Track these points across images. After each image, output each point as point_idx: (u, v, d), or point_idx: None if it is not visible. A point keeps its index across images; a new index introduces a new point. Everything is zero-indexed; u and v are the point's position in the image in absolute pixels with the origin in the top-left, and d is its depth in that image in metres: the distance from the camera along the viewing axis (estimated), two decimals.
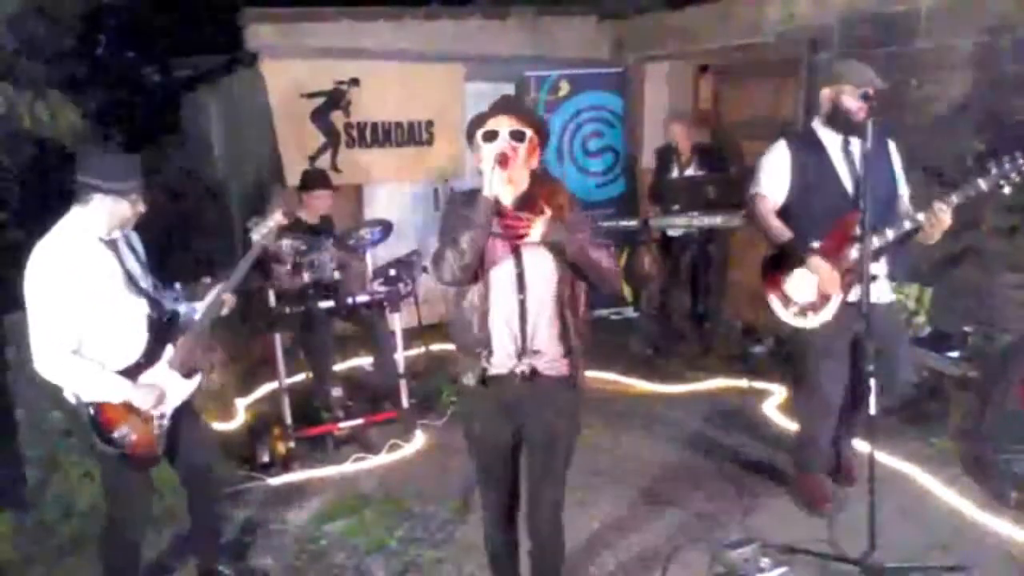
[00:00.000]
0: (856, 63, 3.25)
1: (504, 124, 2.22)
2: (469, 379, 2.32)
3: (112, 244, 2.61)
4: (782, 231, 3.23)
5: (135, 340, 2.62)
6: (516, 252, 2.24)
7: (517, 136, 2.22)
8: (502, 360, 2.30)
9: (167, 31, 10.74)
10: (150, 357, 2.65)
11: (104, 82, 8.79)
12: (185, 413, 2.81)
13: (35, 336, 2.47)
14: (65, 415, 3.50)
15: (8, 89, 3.53)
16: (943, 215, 2.95)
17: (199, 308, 2.81)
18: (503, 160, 2.15)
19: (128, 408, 2.58)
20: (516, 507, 2.54)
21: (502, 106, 2.29)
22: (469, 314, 2.27)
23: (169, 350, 2.70)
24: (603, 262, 2.25)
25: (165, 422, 2.69)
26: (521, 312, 2.25)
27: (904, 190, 3.27)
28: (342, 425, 4.29)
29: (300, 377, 4.70)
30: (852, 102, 3.08)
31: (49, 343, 2.46)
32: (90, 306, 2.49)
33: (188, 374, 2.75)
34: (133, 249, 2.74)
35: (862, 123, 2.94)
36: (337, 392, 4.49)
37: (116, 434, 2.56)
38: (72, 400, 2.60)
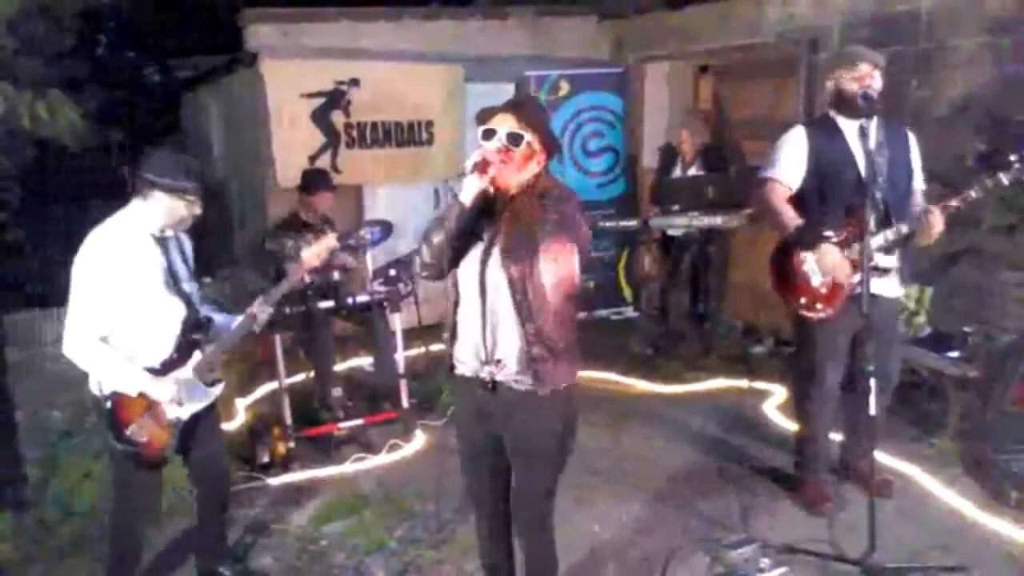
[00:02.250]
0: (849, 49, 3.27)
1: (504, 124, 2.16)
2: (445, 368, 2.37)
3: (162, 242, 2.65)
4: (792, 218, 3.20)
5: (166, 340, 2.65)
6: (485, 255, 2.19)
7: (513, 139, 2.14)
8: (468, 363, 2.29)
9: (167, 31, 10.76)
10: (178, 359, 2.67)
11: (104, 82, 8.82)
12: (206, 420, 2.82)
13: (70, 317, 2.52)
14: (65, 416, 3.51)
15: (8, 89, 3.52)
16: (935, 219, 2.96)
17: (236, 320, 2.80)
18: (483, 167, 2.09)
19: (144, 407, 2.59)
20: (504, 514, 2.49)
21: (508, 105, 2.23)
22: (447, 311, 2.31)
23: (196, 356, 2.71)
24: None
25: (179, 427, 2.70)
26: (483, 319, 2.21)
27: (920, 185, 3.24)
28: (342, 425, 4.29)
29: (300, 377, 4.70)
30: (851, 84, 3.09)
31: (81, 325, 2.51)
32: (128, 297, 2.53)
33: (211, 383, 2.77)
34: (182, 251, 2.77)
35: (873, 102, 2.95)
36: (337, 392, 4.49)
37: (128, 432, 2.58)
38: (96, 391, 2.61)
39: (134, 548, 2.83)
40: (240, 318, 2.75)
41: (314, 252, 2.83)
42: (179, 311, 2.67)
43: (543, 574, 2.48)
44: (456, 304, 2.28)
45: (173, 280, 2.66)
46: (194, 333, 2.70)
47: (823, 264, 3.14)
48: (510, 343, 2.20)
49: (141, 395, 2.57)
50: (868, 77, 3.08)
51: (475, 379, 2.28)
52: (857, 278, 3.00)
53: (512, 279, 2.14)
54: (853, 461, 3.57)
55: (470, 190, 2.11)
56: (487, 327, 2.21)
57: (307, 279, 4.32)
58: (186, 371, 2.68)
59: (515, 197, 2.19)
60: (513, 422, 2.28)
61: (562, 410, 2.29)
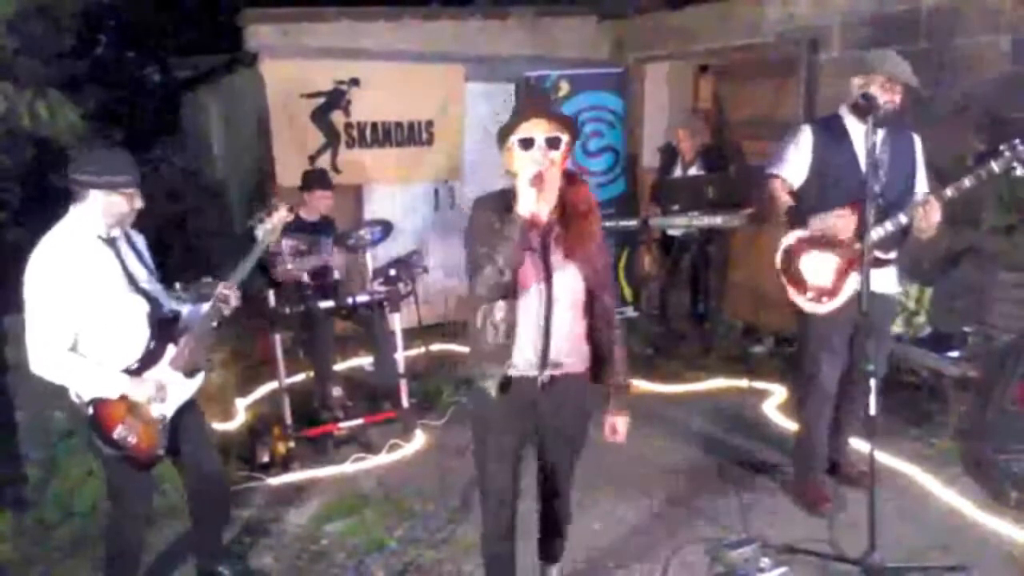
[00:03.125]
0: (893, 55, 3.19)
1: (539, 130, 2.14)
2: (489, 385, 2.28)
3: (112, 242, 2.61)
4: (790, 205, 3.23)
5: (135, 339, 2.62)
6: (547, 269, 2.21)
7: (553, 143, 2.15)
8: (522, 367, 2.28)
9: (167, 31, 10.77)
10: (152, 357, 2.64)
11: (104, 82, 8.80)
12: (189, 413, 2.80)
13: (31, 334, 2.48)
14: (66, 415, 3.50)
15: (8, 89, 3.52)
16: (932, 209, 2.97)
17: (203, 308, 2.79)
18: (539, 180, 2.08)
19: (128, 409, 2.58)
20: (516, 514, 2.51)
21: (536, 108, 2.23)
22: (493, 324, 2.23)
23: (171, 350, 2.69)
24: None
25: (166, 423, 2.69)
26: (546, 329, 2.23)
27: (923, 187, 3.25)
28: (342, 425, 4.29)
29: (300, 377, 4.70)
30: (881, 94, 3.03)
31: (45, 341, 2.47)
32: (88, 304, 2.50)
33: (190, 373, 2.74)
34: (135, 249, 2.73)
35: (889, 114, 2.95)
36: (337, 392, 4.50)
37: (116, 435, 2.55)
38: (75, 400, 2.60)
39: (132, 552, 2.82)
40: (207, 305, 2.73)
41: (268, 229, 2.88)
42: (143, 308, 2.63)
43: (566, 523, 2.72)
44: (513, 325, 2.22)
45: (130, 280, 2.62)
46: (162, 328, 2.67)
47: (829, 222, 3.13)
48: (573, 340, 2.29)
49: (122, 397, 2.55)
50: (897, 95, 3.08)
51: (525, 379, 2.30)
52: (854, 284, 2.99)
53: (591, 283, 2.26)
54: (832, 455, 3.59)
55: (532, 203, 2.09)
56: (552, 333, 2.24)
57: (307, 278, 4.33)
58: (163, 367, 2.66)
59: (565, 200, 2.22)
60: (564, 409, 2.38)
61: (588, 391, 2.47)
